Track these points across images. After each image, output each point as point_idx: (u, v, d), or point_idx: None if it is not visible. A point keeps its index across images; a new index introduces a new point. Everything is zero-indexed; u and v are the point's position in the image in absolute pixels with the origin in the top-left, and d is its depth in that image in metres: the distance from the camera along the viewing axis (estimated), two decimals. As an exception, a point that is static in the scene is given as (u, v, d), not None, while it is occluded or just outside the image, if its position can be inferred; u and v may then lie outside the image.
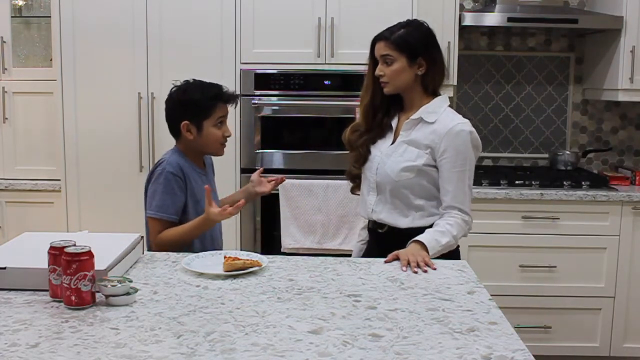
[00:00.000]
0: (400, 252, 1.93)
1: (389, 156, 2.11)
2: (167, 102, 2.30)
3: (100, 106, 3.32)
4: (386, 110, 2.17)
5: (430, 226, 2.06)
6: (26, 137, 3.56)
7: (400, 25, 2.09)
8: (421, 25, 2.11)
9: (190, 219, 2.21)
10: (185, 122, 2.24)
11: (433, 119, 2.08)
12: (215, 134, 2.26)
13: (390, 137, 2.16)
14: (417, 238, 1.98)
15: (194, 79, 2.30)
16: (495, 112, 3.96)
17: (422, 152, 2.07)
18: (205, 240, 2.27)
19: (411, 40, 2.05)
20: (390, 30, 2.08)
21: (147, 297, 1.58)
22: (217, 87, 2.27)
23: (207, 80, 2.30)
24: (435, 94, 2.14)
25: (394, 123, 2.17)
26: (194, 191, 2.24)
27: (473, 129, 2.07)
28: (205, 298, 1.58)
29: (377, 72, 2.09)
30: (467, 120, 2.08)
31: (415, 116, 2.10)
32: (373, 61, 2.13)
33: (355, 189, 2.30)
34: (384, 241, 2.13)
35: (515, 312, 3.22)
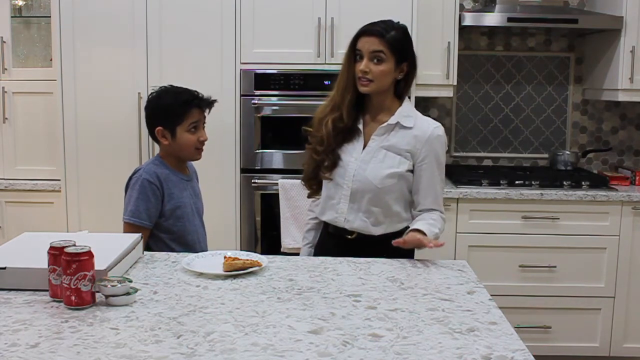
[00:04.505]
0: (408, 241, 1.96)
1: (367, 162, 2.07)
2: (145, 109, 2.37)
3: (100, 106, 3.32)
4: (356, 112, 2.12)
5: (401, 232, 2.06)
6: (26, 137, 3.55)
7: (389, 26, 2.03)
8: (406, 29, 2.08)
9: (168, 223, 2.26)
10: (159, 127, 2.29)
11: (411, 124, 2.07)
12: (189, 139, 2.28)
13: (359, 141, 2.10)
14: (416, 227, 2.00)
15: (170, 85, 2.35)
16: (495, 112, 3.96)
17: (403, 158, 2.06)
18: (187, 246, 2.30)
19: (404, 43, 2.04)
20: (383, 28, 2.02)
21: (147, 297, 1.58)
22: (189, 93, 2.30)
23: (199, 83, 2.33)
24: (401, 97, 2.12)
25: (360, 126, 2.11)
26: (173, 197, 2.28)
27: (444, 132, 2.12)
28: (205, 298, 1.58)
29: (364, 67, 2.00)
30: (439, 124, 2.11)
31: (392, 121, 2.07)
32: (354, 56, 2.05)
33: (314, 194, 2.23)
34: (352, 247, 2.10)
35: (515, 312, 3.22)
